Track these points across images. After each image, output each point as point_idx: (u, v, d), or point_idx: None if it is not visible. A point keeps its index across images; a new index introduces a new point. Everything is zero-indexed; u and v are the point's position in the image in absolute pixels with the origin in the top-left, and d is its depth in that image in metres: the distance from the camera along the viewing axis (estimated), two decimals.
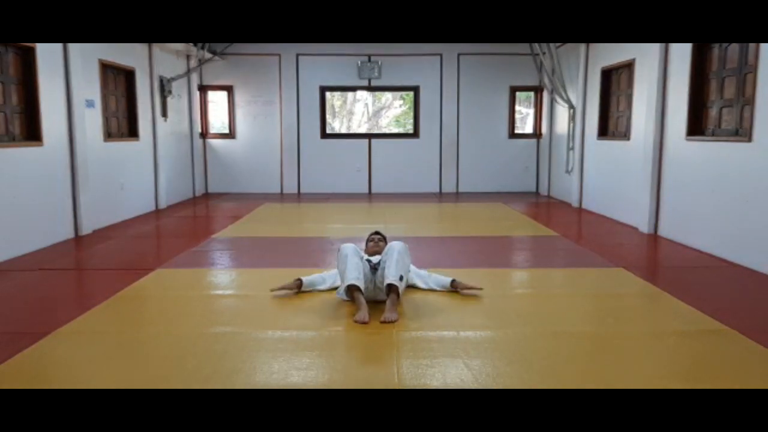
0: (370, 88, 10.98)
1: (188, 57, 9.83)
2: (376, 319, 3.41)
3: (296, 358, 2.92)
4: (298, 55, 10.51)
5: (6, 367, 2.82)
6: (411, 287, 4.04)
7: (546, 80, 9.60)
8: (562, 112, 9.54)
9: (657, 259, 5.51)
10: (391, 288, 3.54)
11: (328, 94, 11.01)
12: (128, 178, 7.70)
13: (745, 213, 4.91)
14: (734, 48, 5.27)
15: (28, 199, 5.53)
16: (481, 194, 10.50)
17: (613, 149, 7.69)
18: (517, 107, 11.14)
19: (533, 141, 10.91)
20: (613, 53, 7.60)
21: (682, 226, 5.90)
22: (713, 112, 5.58)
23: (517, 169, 10.89)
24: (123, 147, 7.66)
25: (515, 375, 2.75)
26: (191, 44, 9.29)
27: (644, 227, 6.50)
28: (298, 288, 3.99)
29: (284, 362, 2.88)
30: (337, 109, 14.67)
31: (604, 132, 8.08)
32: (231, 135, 10.80)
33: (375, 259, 3.85)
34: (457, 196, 10.36)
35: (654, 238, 6.26)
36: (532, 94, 11.01)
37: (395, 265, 3.58)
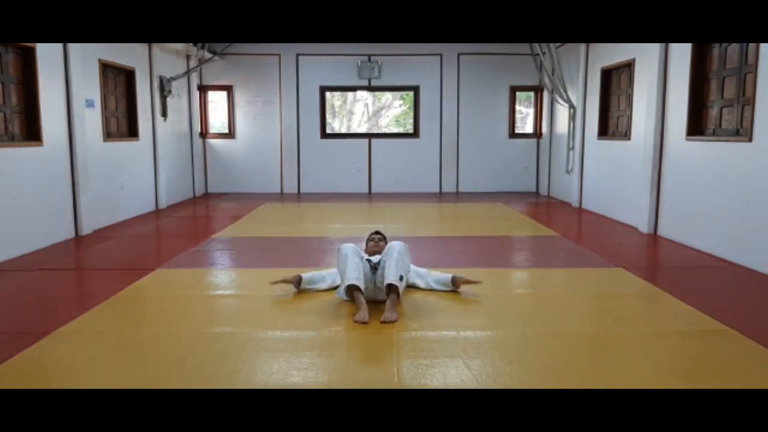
0: (370, 88, 10.98)
1: (188, 57, 9.83)
2: (376, 319, 3.41)
3: (296, 358, 2.92)
4: (298, 55, 10.52)
5: (6, 367, 2.82)
6: (411, 287, 4.04)
7: (546, 80, 9.60)
8: (562, 112, 9.55)
9: (657, 259, 5.51)
10: (391, 288, 3.54)
11: (328, 94, 11.01)
12: (128, 178, 7.70)
13: (745, 213, 4.91)
14: (734, 48, 5.26)
15: (28, 199, 5.53)
16: (481, 194, 10.50)
17: (613, 149, 7.69)
18: (517, 107, 11.14)
19: (533, 141, 10.91)
20: (613, 53, 7.60)
21: (682, 226, 5.90)
22: (713, 112, 5.58)
23: (517, 169, 10.89)
24: (123, 147, 7.66)
25: (515, 375, 2.75)
26: (191, 44, 9.30)
27: (644, 227, 6.50)
28: (298, 283, 3.99)
29: (284, 362, 2.88)
30: (337, 109, 14.67)
31: (604, 132, 8.08)
32: (231, 135, 10.80)
33: (375, 259, 3.85)
34: (457, 196, 10.36)
35: (654, 238, 6.26)
36: (532, 94, 11.01)
37: (395, 265, 3.58)
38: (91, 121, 6.68)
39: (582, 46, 8.51)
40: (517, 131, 10.97)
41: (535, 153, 10.89)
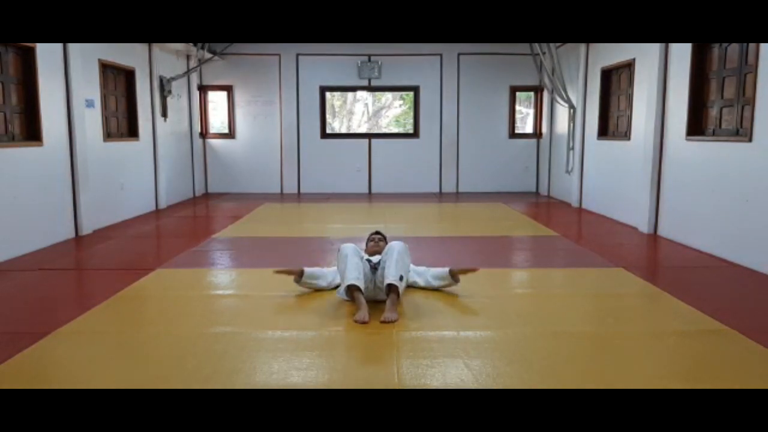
0: (370, 88, 10.98)
1: (188, 57, 9.83)
2: (376, 319, 3.41)
3: (296, 358, 2.92)
4: (298, 55, 10.51)
5: (6, 367, 2.82)
6: (411, 287, 4.04)
7: (546, 80, 9.60)
8: (562, 112, 9.54)
9: (657, 259, 5.51)
10: (391, 288, 3.54)
11: (328, 94, 11.01)
12: (128, 178, 7.70)
13: (745, 213, 4.91)
14: (734, 48, 5.26)
15: (28, 199, 5.53)
16: (481, 194, 10.50)
17: (613, 149, 7.69)
18: (517, 107, 11.14)
19: (533, 141, 10.91)
20: (613, 53, 7.60)
21: (682, 226, 5.90)
22: (713, 112, 5.58)
23: (517, 169, 10.89)
24: (123, 147, 7.66)
25: (515, 375, 2.74)
26: (191, 44, 9.29)
27: (644, 227, 6.50)
28: (300, 276, 3.97)
29: (284, 362, 2.88)
30: (337, 109, 14.67)
31: (604, 132, 8.08)
32: (231, 135, 10.80)
33: (375, 258, 3.85)
34: (457, 196, 10.36)
35: (654, 238, 6.26)
36: (532, 94, 11.01)
37: (395, 265, 3.58)
38: (91, 121, 6.68)
39: (582, 46, 8.51)
40: (517, 131, 10.97)
41: (535, 153, 10.89)
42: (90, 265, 5.25)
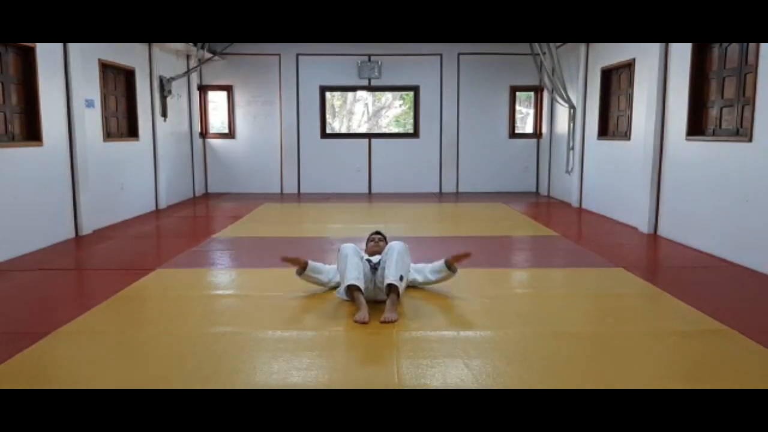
0: (370, 88, 10.98)
1: (188, 57, 9.83)
2: (376, 319, 3.41)
3: (296, 358, 2.92)
4: (298, 55, 10.51)
5: (6, 367, 2.82)
6: (411, 286, 4.04)
7: (546, 80, 9.60)
8: (562, 112, 9.54)
9: (657, 259, 5.51)
10: (391, 288, 3.54)
11: (328, 94, 11.01)
12: (128, 178, 7.70)
13: (745, 213, 4.91)
14: (734, 48, 5.26)
15: (28, 199, 5.53)
16: (481, 194, 10.50)
17: (613, 149, 7.69)
18: (517, 107, 11.14)
19: (533, 141, 10.91)
20: (613, 53, 7.60)
21: (682, 226, 5.90)
22: (713, 112, 5.58)
23: (517, 169, 10.89)
24: (123, 147, 7.66)
25: (515, 375, 2.74)
26: (191, 44, 9.29)
27: (644, 227, 6.50)
28: (303, 268, 3.94)
29: (284, 362, 2.88)
30: (337, 109, 14.67)
31: (604, 132, 8.08)
32: (231, 135, 10.80)
33: (375, 259, 3.85)
34: (457, 196, 10.36)
35: (654, 238, 6.26)
36: (532, 94, 11.01)
37: (395, 265, 3.58)
38: (91, 121, 6.68)
39: (582, 46, 8.51)
40: (517, 131, 10.97)
41: (535, 153, 10.89)
42: (90, 265, 5.25)
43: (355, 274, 3.58)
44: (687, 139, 5.83)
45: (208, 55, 9.93)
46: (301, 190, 10.83)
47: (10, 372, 2.77)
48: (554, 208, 8.85)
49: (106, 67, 7.17)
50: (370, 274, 3.71)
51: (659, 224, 6.37)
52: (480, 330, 3.35)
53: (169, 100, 8.91)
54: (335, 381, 2.70)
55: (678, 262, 5.23)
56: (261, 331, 3.33)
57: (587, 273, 4.77)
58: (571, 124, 8.95)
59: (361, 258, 3.76)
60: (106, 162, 7.05)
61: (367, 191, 10.90)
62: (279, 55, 10.48)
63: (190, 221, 7.91)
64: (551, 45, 9.04)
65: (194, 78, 10.17)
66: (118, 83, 7.67)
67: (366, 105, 14.88)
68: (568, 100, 8.91)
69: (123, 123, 7.82)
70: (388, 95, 14.30)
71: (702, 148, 5.62)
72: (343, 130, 14.30)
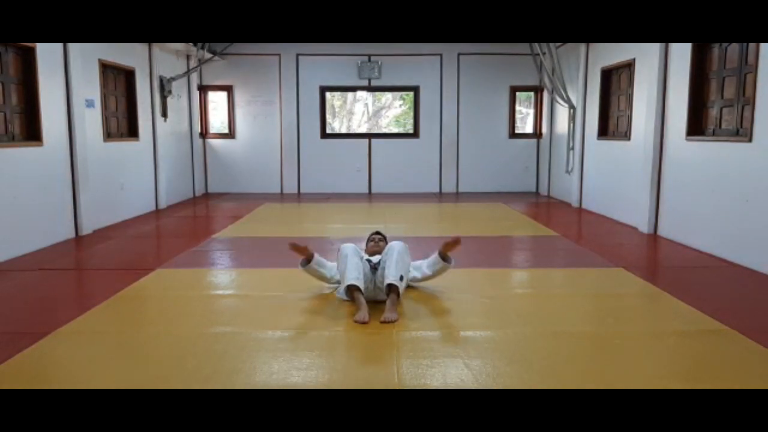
0: (370, 88, 10.98)
1: (188, 57, 9.83)
2: (376, 319, 3.41)
3: (296, 358, 2.92)
4: (298, 55, 10.51)
5: (6, 367, 2.82)
6: (411, 286, 4.04)
7: (546, 80, 9.60)
8: (562, 112, 9.54)
9: (657, 259, 5.51)
10: (391, 288, 3.54)
11: (328, 94, 11.01)
12: (128, 178, 7.70)
13: (745, 213, 4.91)
14: (734, 48, 5.26)
15: (28, 199, 5.53)
16: (481, 194, 10.50)
17: (613, 149, 7.69)
18: (517, 107, 11.14)
19: (533, 141, 10.91)
20: (613, 53, 7.60)
21: (682, 226, 5.90)
22: (713, 112, 5.58)
23: (517, 169, 10.89)
24: (123, 147, 7.66)
25: (515, 375, 2.75)
26: (191, 44, 9.29)
27: (644, 227, 6.50)
28: (308, 260, 3.91)
29: (284, 362, 2.88)
30: (337, 109, 14.67)
31: (604, 132, 8.08)
32: (231, 135, 10.80)
33: (375, 259, 3.85)
34: (457, 196, 10.36)
35: (654, 238, 6.26)
36: (532, 94, 11.01)
37: (395, 265, 3.58)
38: (91, 121, 6.68)
39: (582, 46, 8.51)
40: (517, 131, 10.96)
41: (535, 153, 10.89)
42: (90, 265, 5.25)
43: (354, 274, 3.58)
44: (687, 139, 5.83)
45: (208, 55, 9.93)
46: (301, 190, 10.83)
47: (10, 372, 2.77)
48: (554, 208, 8.85)
49: (106, 67, 7.17)
50: (370, 274, 3.71)
51: (659, 224, 6.37)
52: (480, 330, 3.35)
53: (169, 100, 8.91)
54: (335, 381, 2.70)
55: (678, 262, 5.23)
56: (261, 331, 3.33)
57: (587, 273, 4.77)
58: (571, 124, 8.95)
59: (361, 258, 3.76)
60: (106, 162, 7.05)
61: (367, 191, 10.90)
62: (279, 55, 10.48)
63: (190, 221, 7.91)
64: (551, 45, 9.04)
65: (194, 78, 10.17)
66: (118, 83, 7.67)
67: (366, 105, 14.87)
68: (568, 100, 8.91)
69: (123, 123, 7.82)
70: (388, 95, 14.29)
71: (702, 148, 5.62)
72: (343, 130, 14.30)
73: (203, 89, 10.65)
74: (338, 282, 3.85)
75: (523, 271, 5.08)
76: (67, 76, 6.18)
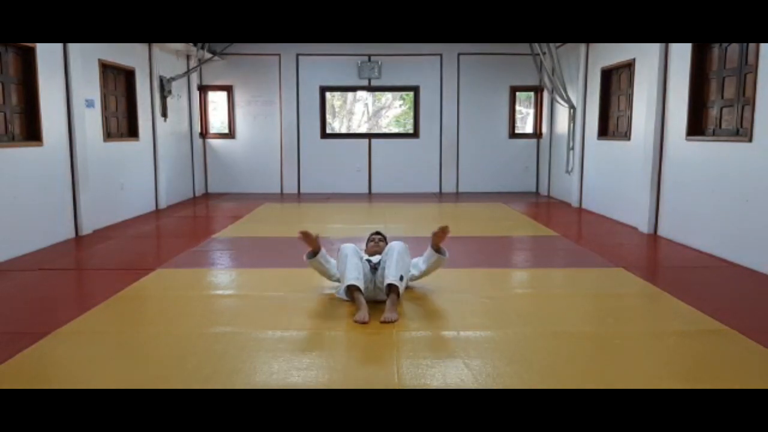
0: (370, 88, 10.98)
1: (188, 57, 9.83)
2: (376, 319, 3.41)
3: (296, 358, 2.92)
4: (298, 55, 10.51)
5: (6, 367, 2.82)
6: (410, 287, 4.03)
7: (546, 80, 9.60)
8: (562, 112, 9.54)
9: (657, 259, 5.51)
10: (391, 288, 3.54)
11: (328, 94, 11.01)
12: (128, 178, 7.70)
13: (745, 213, 4.91)
14: (734, 48, 5.26)
15: (28, 199, 5.53)
16: (481, 194, 10.50)
17: (613, 149, 7.69)
18: (517, 107, 11.14)
19: (533, 141, 10.91)
20: (613, 53, 7.60)
21: (682, 226, 5.90)
22: (713, 112, 5.58)
23: (517, 169, 10.89)
24: (123, 147, 7.66)
25: (515, 375, 2.74)
26: (191, 44, 9.29)
27: (644, 227, 6.50)
28: (314, 254, 3.86)
29: (284, 362, 2.88)
30: (337, 109, 14.67)
31: (604, 132, 8.08)
32: (231, 135, 10.80)
33: (375, 259, 3.84)
34: (457, 196, 10.36)
35: (654, 238, 6.25)
36: (532, 94, 11.01)
37: (395, 265, 3.58)
38: (91, 121, 6.68)
39: (582, 46, 8.51)
40: (517, 131, 10.96)
41: (535, 153, 10.89)
42: (90, 265, 5.25)
43: (354, 274, 3.58)
44: (687, 139, 5.83)
45: (208, 55, 9.93)
46: (301, 190, 10.83)
47: (10, 372, 2.77)
48: (554, 208, 8.85)
49: (106, 67, 7.17)
50: (370, 274, 3.71)
51: (659, 224, 6.37)
52: (480, 330, 3.35)
53: (169, 100, 8.91)
54: (335, 381, 2.70)
55: (678, 262, 5.23)
56: (261, 331, 3.33)
57: (587, 273, 4.77)
58: (571, 124, 8.95)
59: (361, 258, 3.76)
60: (106, 162, 7.05)
61: (367, 191, 10.90)
62: (279, 55, 10.48)
63: (190, 221, 7.91)
64: (551, 45, 9.04)
65: (194, 78, 10.17)
66: (118, 83, 7.67)
67: (366, 105, 14.87)
68: (568, 100, 8.91)
69: (123, 123, 7.82)
70: (388, 95, 14.30)
71: (702, 148, 5.62)
72: (343, 130, 14.30)
73: (203, 89, 10.65)
74: (339, 281, 3.85)
75: (523, 271, 5.08)
76: (67, 76, 6.18)
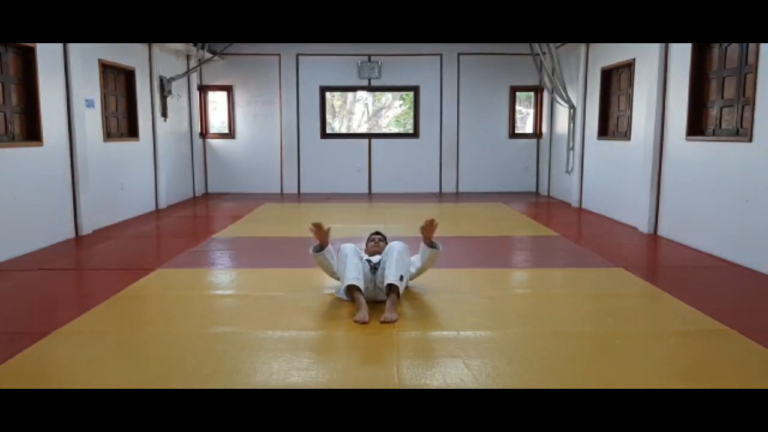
0: (370, 88, 10.98)
1: (188, 57, 9.83)
2: (376, 319, 3.41)
3: (296, 358, 2.92)
4: (298, 55, 10.51)
5: (6, 367, 2.82)
6: (410, 287, 4.03)
7: (546, 80, 9.60)
8: (562, 112, 9.54)
9: (657, 259, 5.51)
10: (391, 288, 3.54)
11: (328, 94, 11.00)
12: (128, 178, 7.70)
13: (745, 213, 4.91)
14: (734, 48, 5.26)
15: (28, 199, 5.53)
16: (481, 194, 10.50)
17: (613, 149, 7.69)
18: (517, 107, 11.14)
19: (533, 141, 10.91)
20: (613, 53, 7.60)
21: (682, 226, 5.90)
22: (713, 112, 5.58)
23: (517, 169, 10.89)
24: (123, 147, 7.66)
25: (515, 375, 2.74)
26: (191, 44, 9.29)
27: (644, 227, 6.50)
28: (321, 247, 3.83)
29: (284, 362, 2.88)
30: (337, 109, 14.67)
31: (604, 132, 8.08)
32: (231, 135, 10.80)
33: (375, 259, 3.85)
34: (457, 196, 10.36)
35: (654, 238, 6.25)
36: (532, 94, 11.01)
37: (395, 265, 3.58)
38: (91, 121, 6.68)
39: (582, 46, 8.51)
40: (517, 131, 10.96)
41: (535, 153, 10.89)
42: (90, 265, 5.25)
43: (354, 274, 3.58)
44: (687, 139, 5.83)
45: (208, 55, 9.93)
46: (301, 190, 10.83)
47: (10, 372, 2.77)
48: (554, 208, 8.85)
49: (106, 67, 7.17)
50: (370, 274, 3.71)
51: (659, 224, 6.37)
52: (480, 330, 3.35)
53: (169, 100, 8.91)
54: (335, 381, 2.70)
55: (678, 262, 5.23)
56: (261, 331, 3.33)
57: (587, 273, 4.77)
58: (571, 124, 8.95)
59: (361, 258, 3.76)
60: (106, 162, 7.05)
61: (367, 191, 10.90)
62: (279, 55, 10.48)
63: (190, 221, 7.91)
64: (551, 45, 9.04)
65: (194, 78, 10.17)
66: (118, 83, 7.67)
67: (366, 105, 14.88)
68: (568, 100, 8.91)
69: (123, 123, 7.82)
70: (388, 95, 14.30)
71: (702, 148, 5.62)
72: (343, 130, 14.30)
73: (203, 89, 10.65)
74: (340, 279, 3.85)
75: (523, 271, 5.08)
76: (67, 76, 6.18)
